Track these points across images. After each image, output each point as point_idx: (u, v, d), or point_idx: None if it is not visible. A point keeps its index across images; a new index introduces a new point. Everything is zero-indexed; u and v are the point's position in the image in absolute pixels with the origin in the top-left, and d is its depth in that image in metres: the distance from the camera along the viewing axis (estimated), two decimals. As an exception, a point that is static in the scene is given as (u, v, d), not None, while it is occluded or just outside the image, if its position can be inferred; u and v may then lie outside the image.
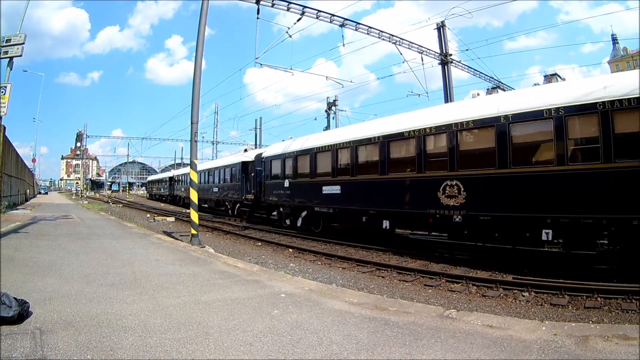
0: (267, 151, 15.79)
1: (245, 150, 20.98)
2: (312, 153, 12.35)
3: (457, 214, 7.78)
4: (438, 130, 8.31)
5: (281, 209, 14.40)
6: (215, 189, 22.74)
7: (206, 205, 24.62)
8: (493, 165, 7.29)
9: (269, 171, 15.02)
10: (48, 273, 5.45)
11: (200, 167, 26.44)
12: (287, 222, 13.95)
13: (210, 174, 24.13)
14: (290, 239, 12.43)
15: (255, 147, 36.17)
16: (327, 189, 11.41)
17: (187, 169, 31.86)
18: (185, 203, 28.81)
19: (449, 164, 7.98)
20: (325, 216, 12.03)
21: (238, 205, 19.32)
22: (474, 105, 8.15)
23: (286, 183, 13.50)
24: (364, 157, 10.52)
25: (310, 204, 12.28)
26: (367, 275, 7.53)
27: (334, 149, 11.41)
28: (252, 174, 17.49)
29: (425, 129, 8.61)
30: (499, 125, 7.20)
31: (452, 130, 7.99)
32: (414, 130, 8.85)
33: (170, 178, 36.59)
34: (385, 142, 9.61)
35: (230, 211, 20.50)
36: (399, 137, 9.28)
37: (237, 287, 5.08)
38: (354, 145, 10.61)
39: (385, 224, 9.62)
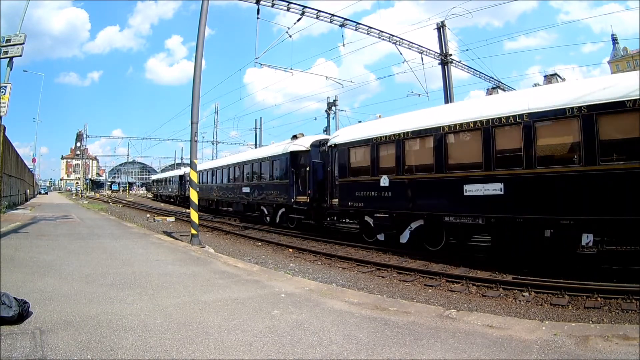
0: (340, 136, 11.47)
1: (295, 137, 15.36)
2: (439, 135, 8.28)
3: None
4: None
5: (367, 218, 10.38)
6: (246, 189, 17.81)
7: (231, 209, 20.66)
8: None
9: (344, 164, 10.91)
10: (48, 273, 5.45)
11: (223, 162, 22.75)
12: (381, 236, 9.97)
13: (238, 170, 19.17)
14: (290, 239, 12.42)
15: (256, 147, 35.22)
16: (473, 189, 7.64)
17: (201, 166, 28.06)
18: (202, 205, 23.83)
19: None
20: (460, 229, 8.35)
21: (283, 210, 14.73)
22: None
23: (383, 181, 9.52)
24: (549, 140, 6.96)
25: (433, 211, 8.50)
26: (367, 275, 7.53)
27: (487, 128, 7.47)
28: (307, 169, 13.10)
29: None
30: None
31: None
32: None
33: (181, 177, 32.17)
34: (591, 116, 6.29)
35: (267, 218, 15.97)
36: (621, 107, 6.04)
37: (237, 287, 5.08)
38: (531, 122, 6.91)
39: (587, 238, 6.46)
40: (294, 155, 13.96)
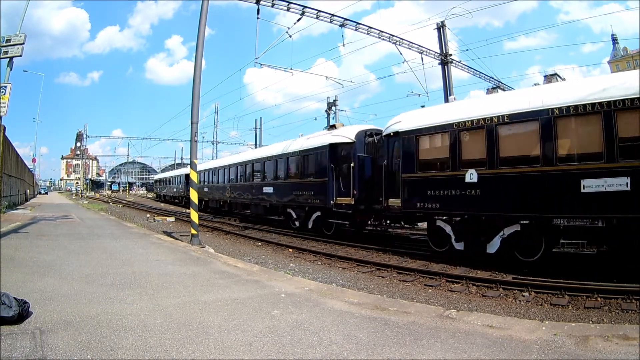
0: (403, 122, 9.31)
1: (333, 127, 12.98)
2: (546, 119, 6.79)
3: None
4: None
5: (440, 223, 8.57)
6: (268, 190, 15.37)
7: (248, 212, 18.19)
8: None
9: (410, 156, 8.89)
10: (48, 273, 5.45)
11: (239, 158, 20.08)
12: (459, 245, 8.22)
13: (258, 168, 16.65)
14: (290, 239, 12.42)
15: (256, 147, 34.11)
16: (593, 184, 6.30)
17: (211, 164, 25.80)
18: (213, 207, 23.07)
19: None
20: (563, 234, 7.02)
21: (318, 214, 12.54)
22: None
23: (469, 176, 7.76)
24: None
25: (538, 213, 6.88)
26: (367, 275, 7.53)
27: (607, 111, 6.23)
28: (352, 165, 11.05)
29: None
30: None
31: None
32: None
33: (187, 176, 28.88)
34: None
35: (296, 222, 13.80)
36: None
37: (237, 287, 5.08)
38: None
39: None
40: (334, 148, 11.71)
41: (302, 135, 15.05)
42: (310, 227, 12.98)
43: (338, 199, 11.44)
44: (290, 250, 10.38)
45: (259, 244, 11.70)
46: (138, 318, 3.63)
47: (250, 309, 4.06)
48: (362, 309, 4.17)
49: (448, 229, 8.41)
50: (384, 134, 10.06)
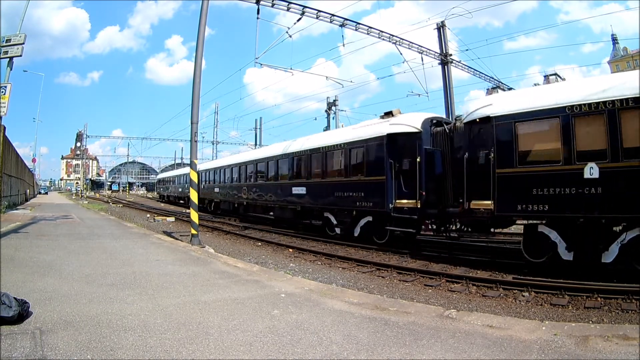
0: (495, 105, 7.66)
1: (389, 114, 10.62)
2: None
3: None
4: None
5: (543, 228, 7.05)
6: (299, 190, 13.01)
7: (271, 215, 15.75)
8: None
9: (508, 147, 7.24)
10: (48, 273, 5.45)
11: (259, 154, 17.61)
12: (568, 255, 6.76)
13: (286, 164, 14.13)
14: (290, 239, 12.42)
15: (256, 147, 33.81)
16: None
17: (222, 161, 23.44)
18: (224, 209, 20.74)
19: None
20: None
21: (368, 219, 10.60)
22: None
23: (589, 171, 6.33)
24: None
25: None
26: (367, 275, 7.53)
27: None
28: (418, 160, 9.08)
29: None
30: None
31: None
32: None
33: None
34: None
35: (337, 229, 11.65)
36: None
37: (237, 287, 5.08)
38: None
39: None
40: (393, 139, 9.68)
41: (342, 125, 13.29)
42: (356, 234, 10.96)
43: (398, 201, 9.48)
44: (290, 250, 10.39)
45: (259, 244, 11.70)
46: (138, 318, 3.63)
47: (250, 309, 4.06)
48: (362, 309, 4.17)
49: (554, 235, 6.92)
50: (465, 120, 8.38)
